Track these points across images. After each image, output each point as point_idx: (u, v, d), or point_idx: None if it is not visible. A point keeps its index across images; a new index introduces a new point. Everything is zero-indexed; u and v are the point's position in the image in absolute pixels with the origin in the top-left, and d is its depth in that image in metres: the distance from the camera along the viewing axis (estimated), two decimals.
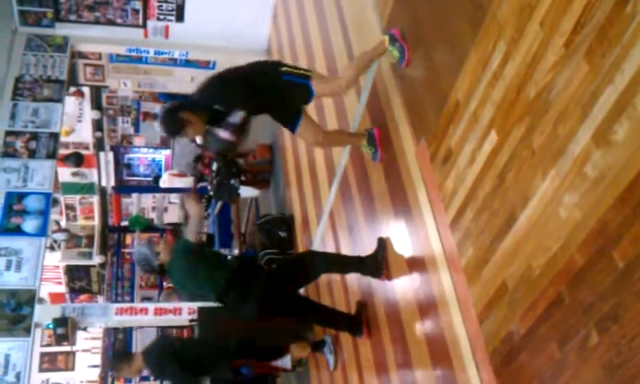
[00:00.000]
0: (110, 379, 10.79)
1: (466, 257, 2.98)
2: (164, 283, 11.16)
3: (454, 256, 3.09)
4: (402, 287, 3.76)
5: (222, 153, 3.72)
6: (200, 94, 3.72)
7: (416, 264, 3.57)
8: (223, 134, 3.52)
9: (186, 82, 9.10)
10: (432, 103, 3.41)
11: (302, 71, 3.81)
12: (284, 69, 3.77)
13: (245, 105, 3.59)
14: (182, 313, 5.86)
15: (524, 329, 2.49)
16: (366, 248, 4.27)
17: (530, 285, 2.46)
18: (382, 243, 3.98)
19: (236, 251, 8.58)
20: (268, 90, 3.73)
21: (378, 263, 3.95)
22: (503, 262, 2.66)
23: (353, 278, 4.59)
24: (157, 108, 11.16)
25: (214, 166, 8.11)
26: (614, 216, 2.01)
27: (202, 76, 8.85)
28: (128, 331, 11.15)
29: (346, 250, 4.82)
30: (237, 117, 3.52)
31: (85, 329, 6.03)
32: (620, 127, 2.01)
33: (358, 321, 4.26)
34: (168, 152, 13.50)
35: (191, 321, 5.86)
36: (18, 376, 5.37)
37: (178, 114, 3.62)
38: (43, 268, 5.97)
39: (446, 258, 3.19)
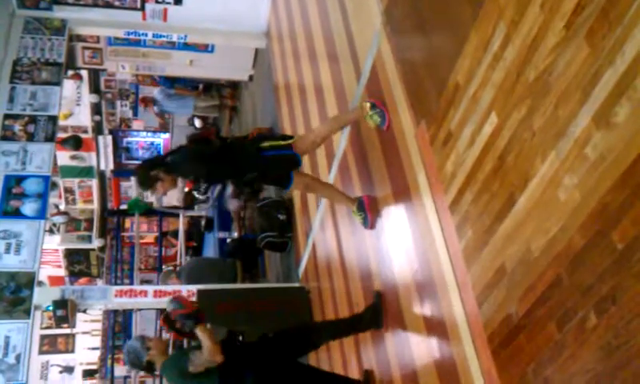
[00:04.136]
0: (110, 361, 10.84)
1: (465, 239, 2.98)
2: (163, 266, 11.19)
3: (453, 238, 3.10)
4: (401, 270, 3.77)
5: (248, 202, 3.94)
6: (175, 159, 3.92)
7: (415, 246, 3.57)
8: (231, 204, 3.73)
9: (185, 65, 9.06)
10: (432, 86, 3.39)
11: (282, 142, 3.95)
12: (265, 144, 3.91)
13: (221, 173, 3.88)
14: None
15: (522, 310, 2.50)
16: (365, 232, 4.27)
17: (529, 267, 2.46)
18: (379, 296, 4.01)
19: (235, 234, 8.59)
20: (248, 164, 3.90)
21: (378, 314, 3.97)
22: (502, 244, 2.66)
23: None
24: (155, 91, 11.12)
25: None
26: (614, 197, 2.01)
27: (201, 59, 8.93)
28: (128, 314, 11.19)
29: (345, 233, 4.83)
30: (228, 197, 3.71)
31: (84, 311, 6.05)
32: (621, 109, 2.00)
33: None
34: (167, 136, 13.48)
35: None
36: (17, 358, 5.39)
37: (151, 170, 3.81)
38: (42, 251, 5.97)
39: (445, 240, 3.19)
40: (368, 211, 4.16)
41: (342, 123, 4.17)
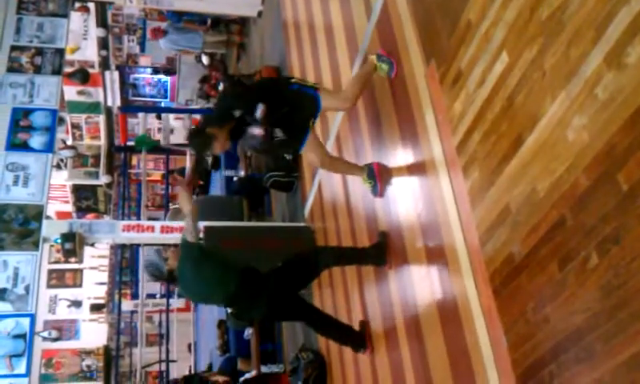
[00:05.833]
0: (117, 296, 11.06)
1: (471, 179, 2.99)
2: (170, 204, 11.28)
3: (459, 179, 3.10)
4: (406, 210, 3.79)
5: (262, 150, 3.97)
6: (217, 109, 4.02)
7: (421, 186, 3.58)
8: (254, 130, 3.73)
9: None
10: (444, 24, 3.34)
11: (310, 83, 4.02)
12: (292, 80, 4.01)
13: (257, 99, 3.77)
14: None
15: (525, 250, 2.52)
16: None
17: (534, 207, 2.47)
18: (384, 236, 4.04)
19: (242, 173, 8.62)
20: (277, 96, 3.88)
21: (382, 251, 4.01)
22: (508, 185, 2.67)
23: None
24: (164, 24, 10.98)
25: (220, 87, 8.04)
26: (622, 139, 2.00)
27: None
28: (135, 249, 11.35)
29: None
30: (258, 111, 3.68)
31: (92, 245, 6.13)
32: (633, 49, 1.97)
33: (362, 337, 4.27)
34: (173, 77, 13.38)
35: (198, 240, 5.94)
36: (27, 288, 5.49)
37: (204, 131, 3.85)
38: (50, 185, 6.02)
39: (451, 181, 3.19)
40: (378, 179, 4.11)
41: (363, 81, 4.02)
